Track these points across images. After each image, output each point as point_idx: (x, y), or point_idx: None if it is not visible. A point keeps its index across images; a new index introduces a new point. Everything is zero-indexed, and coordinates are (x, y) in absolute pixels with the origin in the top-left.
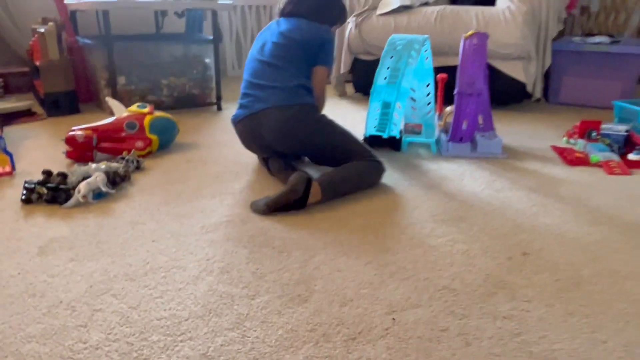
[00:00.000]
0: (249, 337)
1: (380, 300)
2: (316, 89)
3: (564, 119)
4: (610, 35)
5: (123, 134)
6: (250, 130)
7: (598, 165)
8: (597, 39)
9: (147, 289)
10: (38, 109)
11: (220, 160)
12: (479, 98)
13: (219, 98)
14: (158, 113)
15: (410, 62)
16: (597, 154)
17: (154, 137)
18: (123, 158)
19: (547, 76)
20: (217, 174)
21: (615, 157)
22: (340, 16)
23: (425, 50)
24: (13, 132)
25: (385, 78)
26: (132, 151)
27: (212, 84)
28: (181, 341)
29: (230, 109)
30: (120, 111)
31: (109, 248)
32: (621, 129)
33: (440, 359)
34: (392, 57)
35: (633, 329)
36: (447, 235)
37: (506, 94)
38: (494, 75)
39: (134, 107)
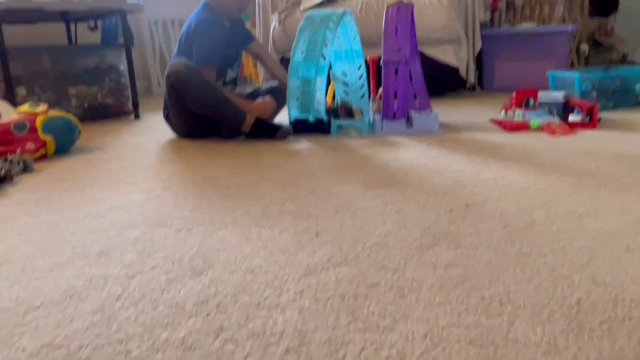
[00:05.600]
0: (118, 318)
1: (295, 264)
2: None
3: (501, 99)
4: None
5: (11, 137)
6: None
7: (539, 129)
8: (524, 24)
9: None
10: None
11: (126, 158)
12: (406, 67)
13: (135, 106)
14: (53, 112)
15: (328, 36)
16: (537, 119)
17: (48, 138)
18: (6, 159)
19: (480, 65)
20: (118, 169)
21: (556, 120)
22: None
23: (352, 29)
24: None
25: (302, 52)
26: (18, 151)
27: (127, 92)
28: (22, 333)
29: (151, 120)
30: (8, 113)
31: None
32: (558, 95)
33: (368, 315)
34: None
35: (599, 261)
36: (379, 198)
37: (441, 83)
38: (427, 65)
39: (25, 107)
